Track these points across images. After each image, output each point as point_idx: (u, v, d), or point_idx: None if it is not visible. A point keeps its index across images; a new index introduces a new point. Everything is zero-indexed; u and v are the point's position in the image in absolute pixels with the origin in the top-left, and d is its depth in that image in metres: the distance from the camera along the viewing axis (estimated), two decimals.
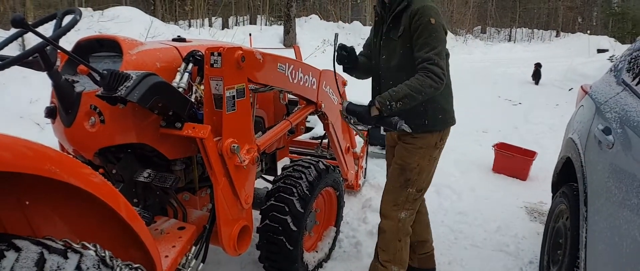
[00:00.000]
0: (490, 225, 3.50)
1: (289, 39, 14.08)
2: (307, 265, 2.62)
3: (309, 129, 4.20)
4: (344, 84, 3.08)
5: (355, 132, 2.77)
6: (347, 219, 3.37)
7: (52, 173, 1.11)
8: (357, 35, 16.43)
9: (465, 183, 4.39)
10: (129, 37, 2.05)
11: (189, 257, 1.97)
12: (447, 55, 2.18)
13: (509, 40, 29.27)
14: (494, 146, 4.88)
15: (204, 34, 13.15)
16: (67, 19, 1.74)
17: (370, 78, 2.49)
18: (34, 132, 4.91)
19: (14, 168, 1.03)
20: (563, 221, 2.52)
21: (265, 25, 19.81)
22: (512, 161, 4.70)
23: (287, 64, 2.38)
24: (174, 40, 2.37)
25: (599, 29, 29.77)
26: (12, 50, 4.21)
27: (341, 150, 3.14)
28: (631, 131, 1.83)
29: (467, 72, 13.15)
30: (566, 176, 2.72)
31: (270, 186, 2.57)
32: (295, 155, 3.63)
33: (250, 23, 21.71)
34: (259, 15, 22.42)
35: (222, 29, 16.73)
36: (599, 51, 18.50)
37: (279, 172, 2.65)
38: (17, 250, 1.05)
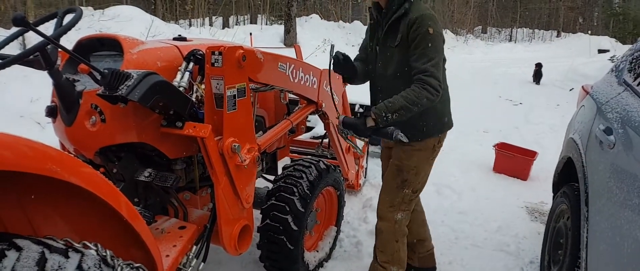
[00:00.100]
0: (490, 225, 3.49)
1: (290, 38, 14.07)
2: (308, 264, 2.62)
3: (309, 129, 4.20)
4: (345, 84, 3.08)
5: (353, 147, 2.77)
6: (347, 219, 3.37)
7: (53, 172, 1.11)
8: (357, 34, 16.41)
9: (465, 183, 4.39)
10: (130, 36, 2.05)
11: (190, 256, 1.97)
12: (444, 60, 2.16)
13: (510, 40, 29.25)
14: (494, 146, 4.88)
15: (204, 33, 13.15)
16: (68, 17, 1.73)
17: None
18: (35, 132, 4.91)
19: (14, 167, 1.03)
20: (564, 221, 2.52)
21: (266, 24, 19.80)
22: (512, 161, 4.69)
23: (287, 63, 2.38)
24: (174, 39, 2.36)
25: (600, 29, 29.75)
26: (13, 49, 4.21)
27: (342, 149, 3.14)
28: (632, 131, 1.82)
29: (468, 72, 13.15)
30: (567, 176, 2.72)
31: (270, 185, 2.57)
32: (296, 155, 3.63)
33: (251, 22, 21.71)
34: (259, 15, 22.42)
35: (223, 28, 16.73)
36: (600, 51, 18.50)
37: (280, 171, 2.65)
38: (18, 249, 1.04)
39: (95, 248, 1.28)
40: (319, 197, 2.75)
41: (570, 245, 2.24)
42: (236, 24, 20.05)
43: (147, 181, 2.00)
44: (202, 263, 2.04)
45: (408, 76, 2.10)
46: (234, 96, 1.92)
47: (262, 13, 22.29)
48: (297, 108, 2.78)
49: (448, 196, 4.06)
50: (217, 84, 1.88)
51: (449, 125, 2.38)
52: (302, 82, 2.55)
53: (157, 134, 1.95)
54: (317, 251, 2.79)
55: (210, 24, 18.50)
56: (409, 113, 2.04)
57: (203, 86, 2.01)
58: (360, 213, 3.55)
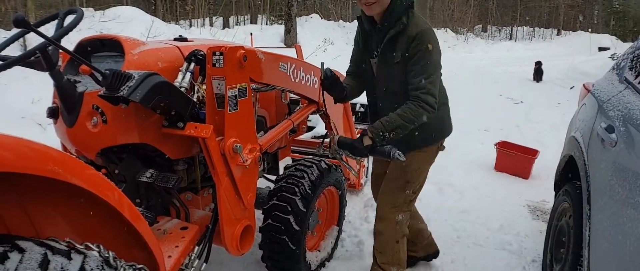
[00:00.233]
0: (492, 224, 3.49)
1: (290, 38, 14.07)
2: (310, 264, 2.62)
3: (310, 129, 4.19)
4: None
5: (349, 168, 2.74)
6: (349, 219, 3.37)
7: (54, 174, 1.11)
8: None
9: (467, 182, 4.39)
10: (131, 37, 2.05)
11: (192, 257, 1.96)
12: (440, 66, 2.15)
13: (510, 38, 29.20)
14: (496, 145, 4.88)
15: (205, 34, 13.14)
16: (69, 19, 1.73)
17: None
18: (36, 133, 4.91)
19: (16, 169, 1.02)
20: (566, 220, 2.51)
21: (266, 24, 19.79)
22: (514, 159, 4.69)
23: (288, 63, 2.38)
24: (175, 39, 2.36)
25: (600, 27, 29.72)
26: (14, 50, 4.20)
27: None
28: (634, 129, 1.82)
29: (468, 71, 13.15)
30: (569, 174, 2.72)
31: (272, 185, 2.56)
32: (297, 154, 3.62)
33: (251, 22, 21.69)
34: (259, 15, 22.40)
35: (223, 28, 16.72)
36: (600, 49, 18.49)
37: (281, 171, 2.65)
38: (21, 251, 1.04)
39: (97, 249, 1.28)
40: (321, 197, 2.75)
41: (573, 243, 2.24)
42: (236, 24, 20.04)
43: (149, 181, 2.00)
44: (204, 264, 2.04)
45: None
46: (236, 96, 1.92)
47: (262, 13, 22.27)
48: (298, 108, 2.78)
49: (450, 195, 4.06)
50: (219, 84, 1.87)
51: (449, 130, 2.40)
52: (303, 82, 2.55)
53: (159, 135, 1.95)
54: (319, 251, 2.79)
55: (211, 25, 18.49)
56: (405, 131, 2.05)
57: (204, 87, 2.01)
58: (362, 213, 3.55)
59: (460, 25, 27.55)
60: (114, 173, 1.99)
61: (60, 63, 1.82)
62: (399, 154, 2.00)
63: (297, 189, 2.41)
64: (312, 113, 2.80)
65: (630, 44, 2.97)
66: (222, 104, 1.89)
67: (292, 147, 3.58)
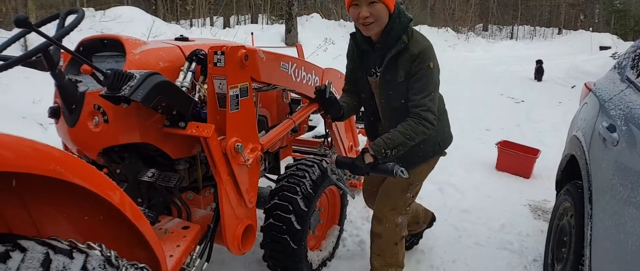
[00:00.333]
0: (494, 223, 3.49)
1: (291, 37, 14.07)
2: (311, 263, 2.61)
3: (311, 128, 4.19)
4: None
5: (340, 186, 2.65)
6: (350, 218, 3.37)
7: (56, 173, 1.11)
8: None
9: (468, 181, 4.39)
10: (132, 37, 2.05)
11: (194, 256, 1.97)
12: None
13: (511, 38, 29.20)
14: (497, 144, 4.87)
15: (205, 33, 13.14)
16: (70, 18, 1.73)
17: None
18: (37, 133, 4.91)
19: (18, 168, 1.02)
20: (567, 219, 2.51)
21: (267, 24, 19.79)
22: (515, 159, 4.69)
23: (290, 62, 2.38)
24: (177, 39, 2.36)
25: (601, 26, 29.68)
26: (15, 50, 4.21)
27: (344, 149, 3.14)
28: (636, 128, 1.82)
29: (469, 70, 13.15)
30: (570, 173, 2.72)
31: (273, 185, 2.56)
32: (299, 154, 3.62)
33: (252, 22, 21.68)
34: (260, 14, 22.38)
35: (224, 28, 16.72)
36: (602, 48, 18.45)
37: (283, 171, 2.65)
38: (23, 250, 1.04)
39: (99, 248, 1.28)
40: (322, 196, 2.75)
41: (574, 243, 2.24)
42: (237, 24, 20.03)
43: (151, 181, 2.00)
44: (206, 263, 2.04)
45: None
46: (237, 95, 1.92)
47: (263, 13, 22.25)
48: (299, 107, 2.78)
49: (451, 195, 4.06)
50: (220, 83, 1.87)
51: (450, 140, 2.41)
52: (304, 81, 2.55)
53: (160, 135, 1.95)
54: (321, 251, 2.79)
55: (211, 24, 18.48)
56: (406, 148, 2.05)
57: (205, 86, 2.01)
58: (363, 212, 3.54)
59: (461, 24, 27.53)
60: (115, 172, 1.99)
61: (61, 63, 1.83)
62: (402, 171, 1.97)
63: (298, 189, 2.41)
64: (313, 112, 2.79)
65: (632, 43, 2.96)
66: (224, 103, 1.89)
67: (293, 146, 3.58)
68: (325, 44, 12.73)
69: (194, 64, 2.04)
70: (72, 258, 1.13)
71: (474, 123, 6.52)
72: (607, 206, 1.88)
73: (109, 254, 1.29)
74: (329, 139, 3.20)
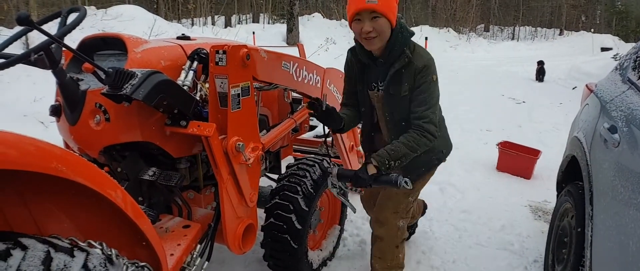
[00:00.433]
0: (494, 224, 3.49)
1: (292, 37, 14.08)
2: (312, 263, 2.61)
3: (312, 128, 4.19)
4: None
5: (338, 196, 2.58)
6: (351, 218, 3.37)
7: (57, 171, 1.11)
8: None
9: (469, 182, 4.39)
10: (134, 35, 2.05)
11: (194, 255, 1.97)
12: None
13: (512, 38, 29.18)
14: (498, 145, 4.87)
15: (207, 32, 13.17)
16: (72, 17, 1.73)
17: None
18: (38, 131, 4.92)
19: (19, 166, 1.03)
20: (568, 220, 2.51)
21: (268, 23, 19.81)
22: (516, 159, 4.69)
23: (291, 62, 2.38)
24: (178, 38, 2.36)
25: (603, 27, 29.67)
26: (16, 49, 4.21)
27: (345, 148, 3.14)
28: (637, 129, 1.81)
29: (471, 70, 13.15)
30: (571, 174, 2.71)
31: (274, 184, 2.56)
32: (300, 153, 3.62)
33: (253, 21, 21.70)
34: (261, 14, 22.41)
35: (225, 27, 16.74)
36: (603, 49, 18.46)
37: (283, 170, 2.65)
38: (24, 248, 1.04)
39: (100, 247, 1.28)
40: (323, 196, 2.74)
41: (575, 244, 2.23)
42: (238, 23, 20.06)
43: (152, 180, 2.00)
44: (206, 262, 2.04)
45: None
46: (238, 94, 1.92)
47: (265, 12, 22.27)
48: (300, 107, 2.78)
49: (452, 195, 4.06)
50: (221, 83, 1.87)
51: (451, 148, 2.42)
52: (305, 81, 2.55)
53: (162, 133, 1.95)
54: (321, 250, 2.79)
55: (213, 23, 18.51)
56: (408, 159, 2.05)
57: (207, 85, 2.01)
58: (364, 212, 3.52)
59: (463, 24, 27.53)
60: (116, 171, 1.99)
61: (63, 61, 1.83)
62: (405, 182, 1.93)
63: (299, 188, 2.41)
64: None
65: (633, 44, 2.96)
66: (225, 102, 1.89)
67: (294, 146, 3.58)
68: (327, 44, 12.75)
69: (195, 63, 2.04)
70: (72, 256, 1.13)
71: (475, 123, 6.52)
72: (608, 207, 1.88)
73: (109, 252, 1.29)
74: (330, 138, 3.20)
